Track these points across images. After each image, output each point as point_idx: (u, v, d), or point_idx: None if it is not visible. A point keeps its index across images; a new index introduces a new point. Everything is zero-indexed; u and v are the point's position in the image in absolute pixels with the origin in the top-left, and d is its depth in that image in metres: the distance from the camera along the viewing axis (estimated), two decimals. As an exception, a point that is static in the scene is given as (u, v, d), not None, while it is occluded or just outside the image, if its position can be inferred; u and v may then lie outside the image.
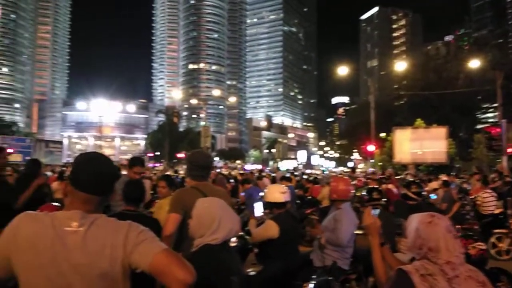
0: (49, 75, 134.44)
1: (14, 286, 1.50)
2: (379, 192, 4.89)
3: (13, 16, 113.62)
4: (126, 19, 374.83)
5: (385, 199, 5.11)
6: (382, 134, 37.25)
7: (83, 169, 1.48)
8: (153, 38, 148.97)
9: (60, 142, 50.45)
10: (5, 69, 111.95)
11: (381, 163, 36.25)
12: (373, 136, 25.69)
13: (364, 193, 5.02)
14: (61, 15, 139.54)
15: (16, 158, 27.45)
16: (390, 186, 9.21)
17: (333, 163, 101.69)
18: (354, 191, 5.23)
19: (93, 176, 1.47)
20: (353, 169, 20.52)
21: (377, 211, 4.09)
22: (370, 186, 6.57)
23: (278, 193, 4.02)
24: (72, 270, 1.36)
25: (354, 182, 10.88)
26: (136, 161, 4.81)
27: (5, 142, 29.19)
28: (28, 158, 29.23)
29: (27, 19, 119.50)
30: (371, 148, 26.30)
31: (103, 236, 1.40)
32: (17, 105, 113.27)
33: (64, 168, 20.23)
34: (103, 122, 58.95)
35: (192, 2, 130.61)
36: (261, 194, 7.69)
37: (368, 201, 4.74)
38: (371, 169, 26.91)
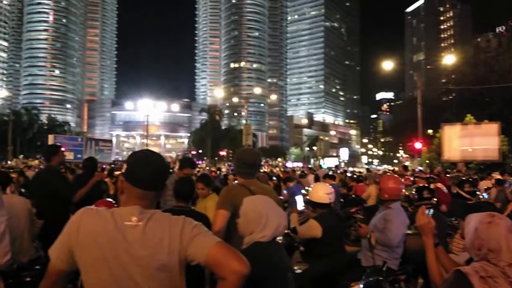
0: (98, 77, 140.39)
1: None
2: (430, 191, 4.71)
3: (64, 21, 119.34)
4: (170, 21, 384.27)
5: (435, 199, 4.92)
6: (430, 131, 36.02)
7: (139, 166, 1.53)
8: (196, 38, 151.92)
9: (110, 141, 52.34)
10: (57, 71, 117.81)
11: (428, 161, 35.06)
12: (420, 133, 24.78)
13: (413, 192, 4.86)
14: (109, 18, 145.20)
15: (68, 156, 28.62)
16: (439, 185, 8.87)
17: (376, 161, 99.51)
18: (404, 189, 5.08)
19: (149, 172, 1.51)
20: (405, 167, 19.63)
21: (431, 211, 3.96)
22: (419, 185, 6.36)
23: (323, 193, 3.95)
24: (133, 262, 1.41)
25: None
26: (186, 163, 4.93)
27: (58, 141, 30.54)
28: (79, 156, 30.62)
29: (77, 23, 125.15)
30: (418, 145, 25.37)
31: (161, 230, 1.45)
32: (68, 106, 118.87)
33: (113, 166, 21.06)
34: (149, 121, 60.82)
35: (234, 1, 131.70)
36: (303, 191, 7.67)
37: (418, 200, 4.59)
38: (420, 168, 26.05)
